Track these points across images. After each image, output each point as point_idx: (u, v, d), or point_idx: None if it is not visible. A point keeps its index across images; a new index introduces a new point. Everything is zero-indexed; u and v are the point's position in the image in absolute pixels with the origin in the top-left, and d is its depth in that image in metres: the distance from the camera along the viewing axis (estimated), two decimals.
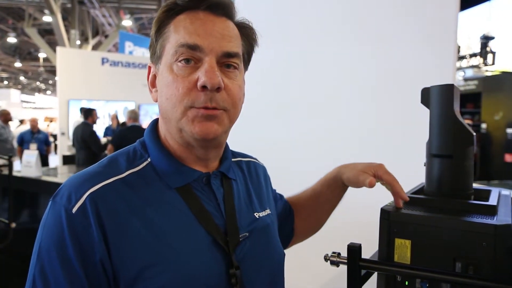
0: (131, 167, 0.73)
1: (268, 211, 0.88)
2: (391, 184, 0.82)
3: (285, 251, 1.09)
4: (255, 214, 0.83)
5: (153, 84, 0.77)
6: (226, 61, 0.72)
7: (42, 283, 0.62)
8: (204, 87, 0.67)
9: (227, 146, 0.86)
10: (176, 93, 0.69)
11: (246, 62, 0.81)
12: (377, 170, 0.87)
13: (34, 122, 7.75)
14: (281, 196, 1.06)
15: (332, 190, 0.99)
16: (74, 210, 0.64)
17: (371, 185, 0.83)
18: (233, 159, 0.91)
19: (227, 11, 0.74)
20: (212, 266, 0.70)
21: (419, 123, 1.10)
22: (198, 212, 0.72)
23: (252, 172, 0.93)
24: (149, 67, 0.78)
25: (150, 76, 0.78)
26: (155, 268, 0.65)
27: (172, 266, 0.66)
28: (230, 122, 0.74)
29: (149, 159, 0.75)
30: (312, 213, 1.04)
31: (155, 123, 0.81)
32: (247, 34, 0.80)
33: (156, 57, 0.75)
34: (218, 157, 0.82)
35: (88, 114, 5.89)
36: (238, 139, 1.11)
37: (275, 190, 1.05)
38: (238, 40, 0.76)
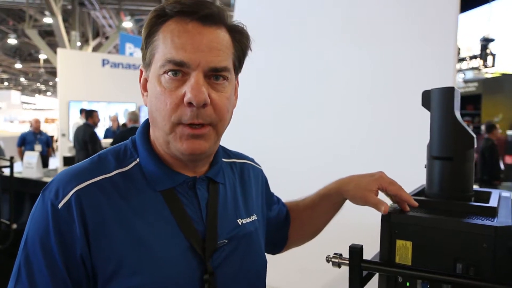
0: (119, 167, 0.74)
1: (254, 217, 0.87)
2: (398, 194, 0.82)
3: (287, 252, 1.09)
4: (238, 220, 0.83)
5: (145, 88, 0.77)
6: (214, 74, 0.71)
7: (27, 271, 0.66)
8: (190, 103, 0.67)
9: (219, 150, 0.85)
10: (164, 108, 0.69)
11: (237, 68, 0.79)
12: (381, 183, 0.87)
13: (37, 124, 7.75)
14: (278, 200, 1.06)
15: (332, 204, 0.99)
16: (60, 205, 0.67)
17: (385, 213, 0.79)
18: (227, 160, 0.91)
19: (217, 20, 0.72)
20: (186, 271, 0.71)
21: (419, 125, 1.10)
22: (179, 216, 0.73)
23: (245, 175, 0.93)
24: (141, 71, 0.78)
25: (142, 79, 0.78)
26: (129, 269, 0.67)
27: (146, 269, 0.68)
28: (218, 135, 0.75)
29: (137, 160, 0.76)
30: (309, 222, 1.04)
31: (147, 123, 0.80)
32: (239, 39, 0.77)
33: (146, 63, 0.75)
34: (208, 162, 0.82)
35: (89, 115, 5.90)
36: (236, 139, 1.11)
37: (273, 194, 1.05)
38: (228, 49, 0.73)
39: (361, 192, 0.88)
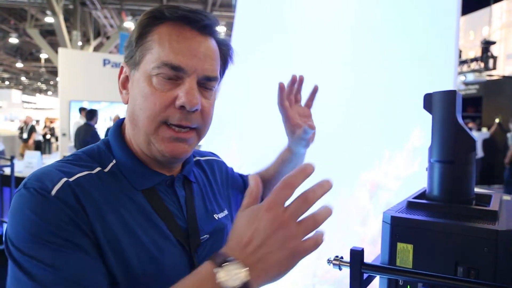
0: (99, 166, 0.73)
1: (225, 212, 0.90)
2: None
3: None
4: (214, 215, 0.85)
5: (124, 85, 0.78)
6: (204, 83, 0.73)
7: (52, 258, 0.60)
8: (182, 107, 0.69)
9: None
10: (152, 108, 0.69)
11: (220, 80, 0.83)
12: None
13: None
14: (241, 175, 1.09)
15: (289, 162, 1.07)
16: (53, 192, 0.63)
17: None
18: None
19: (212, 31, 0.75)
20: (174, 266, 0.73)
21: (421, 128, 1.10)
22: (162, 214, 0.74)
23: (211, 171, 0.96)
24: (122, 67, 0.78)
25: (122, 76, 0.78)
26: (124, 256, 0.67)
27: (140, 258, 0.68)
28: (199, 140, 0.77)
29: (114, 161, 0.76)
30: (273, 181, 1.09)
31: (120, 123, 0.81)
32: (225, 53, 0.81)
33: (133, 62, 0.74)
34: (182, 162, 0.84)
35: (93, 115, 5.91)
36: (240, 139, 1.11)
37: (239, 177, 1.07)
38: (218, 60, 0.77)
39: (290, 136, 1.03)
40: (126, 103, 0.76)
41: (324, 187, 0.57)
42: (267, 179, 1.08)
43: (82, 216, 0.63)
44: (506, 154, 7.16)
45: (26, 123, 12.34)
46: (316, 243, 0.57)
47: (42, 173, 0.66)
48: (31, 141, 11.97)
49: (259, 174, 1.10)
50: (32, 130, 12.07)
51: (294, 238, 0.54)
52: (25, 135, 12.05)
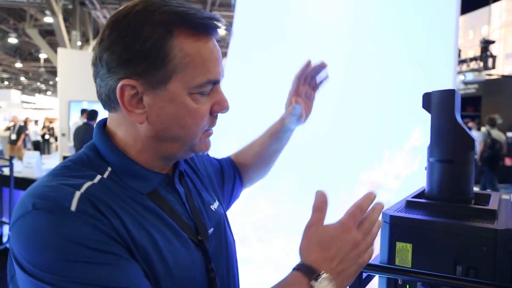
0: (97, 174, 0.70)
1: (217, 202, 0.90)
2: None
3: (284, 252, 1.10)
4: (211, 207, 0.86)
5: (132, 104, 0.70)
6: None
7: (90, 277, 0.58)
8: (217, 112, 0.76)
9: None
10: (199, 122, 0.72)
11: None
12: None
13: None
14: (216, 159, 1.09)
15: (272, 132, 1.09)
16: (72, 208, 0.60)
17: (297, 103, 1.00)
18: None
19: None
20: (195, 264, 0.73)
21: (420, 128, 1.11)
22: (170, 213, 0.74)
23: (195, 160, 0.96)
24: (123, 86, 0.69)
25: (130, 94, 0.69)
26: (153, 263, 0.66)
27: (164, 265, 0.68)
28: None
29: (109, 168, 0.73)
30: (259, 159, 1.12)
31: (102, 126, 0.78)
32: None
33: (155, 80, 0.68)
34: None
35: (95, 115, 5.90)
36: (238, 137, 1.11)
37: (216, 162, 1.06)
38: None
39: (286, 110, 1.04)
40: (142, 122, 0.71)
41: (379, 210, 0.69)
42: (252, 154, 1.11)
43: (107, 224, 0.62)
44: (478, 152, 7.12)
45: (14, 122, 11.78)
46: (371, 255, 0.67)
47: (48, 191, 0.63)
48: (20, 143, 11.31)
49: (245, 149, 1.13)
50: (20, 131, 11.40)
51: (362, 255, 0.65)
52: (13, 136, 11.44)
